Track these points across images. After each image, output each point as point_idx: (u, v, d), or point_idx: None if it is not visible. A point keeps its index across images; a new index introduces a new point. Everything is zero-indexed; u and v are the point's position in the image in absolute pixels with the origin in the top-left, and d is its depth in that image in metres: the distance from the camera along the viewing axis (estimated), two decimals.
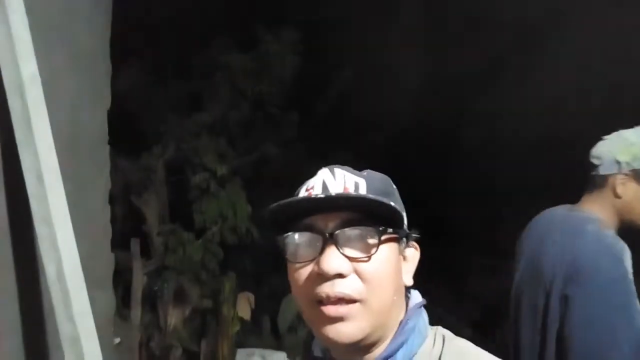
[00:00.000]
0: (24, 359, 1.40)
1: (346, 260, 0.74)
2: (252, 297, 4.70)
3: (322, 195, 0.74)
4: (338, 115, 7.31)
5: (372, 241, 0.75)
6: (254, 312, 4.74)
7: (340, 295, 0.73)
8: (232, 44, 5.13)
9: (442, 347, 0.79)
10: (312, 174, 0.85)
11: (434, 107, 7.73)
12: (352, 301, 0.73)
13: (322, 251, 0.74)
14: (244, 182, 4.97)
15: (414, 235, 0.85)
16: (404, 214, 0.82)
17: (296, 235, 0.77)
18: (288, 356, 4.53)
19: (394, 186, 0.86)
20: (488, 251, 7.81)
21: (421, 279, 0.88)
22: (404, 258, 0.83)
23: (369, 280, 0.74)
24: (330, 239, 0.74)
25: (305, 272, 0.76)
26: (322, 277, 0.73)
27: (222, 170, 4.62)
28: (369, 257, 0.74)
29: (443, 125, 8.00)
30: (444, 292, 7.61)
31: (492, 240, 7.86)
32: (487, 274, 7.83)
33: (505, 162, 8.09)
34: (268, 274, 5.76)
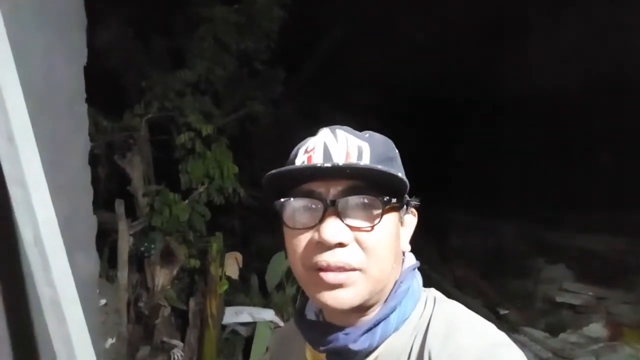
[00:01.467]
0: (5, 325, 1.37)
1: (348, 229, 0.72)
2: (239, 256, 4.72)
3: (329, 165, 0.71)
4: (327, 73, 7.17)
5: (375, 211, 0.72)
6: (242, 271, 4.77)
7: (341, 264, 0.71)
8: None
9: (433, 309, 0.79)
10: (300, 132, 0.82)
11: (428, 64, 7.61)
12: (352, 269, 0.72)
13: (322, 219, 0.72)
14: (230, 141, 4.88)
15: (413, 202, 0.83)
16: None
17: (296, 201, 0.74)
18: (276, 313, 4.61)
19: (396, 149, 0.82)
20: (472, 209, 7.93)
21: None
22: (402, 223, 0.81)
23: (370, 250, 0.72)
24: (331, 207, 0.71)
25: (304, 238, 0.74)
26: (322, 245, 0.71)
27: (207, 129, 4.51)
28: (372, 227, 0.72)
29: (436, 84, 7.91)
30: (429, 250, 7.76)
31: (477, 198, 7.97)
32: (471, 232, 7.98)
33: (495, 123, 8.10)
34: (255, 233, 5.80)
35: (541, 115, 7.51)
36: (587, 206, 6.55)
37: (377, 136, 0.81)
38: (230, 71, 5.03)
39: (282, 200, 0.75)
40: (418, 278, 0.84)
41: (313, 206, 0.73)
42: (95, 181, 1.94)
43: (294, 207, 0.75)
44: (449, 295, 0.83)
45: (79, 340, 1.28)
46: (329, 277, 0.71)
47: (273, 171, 0.73)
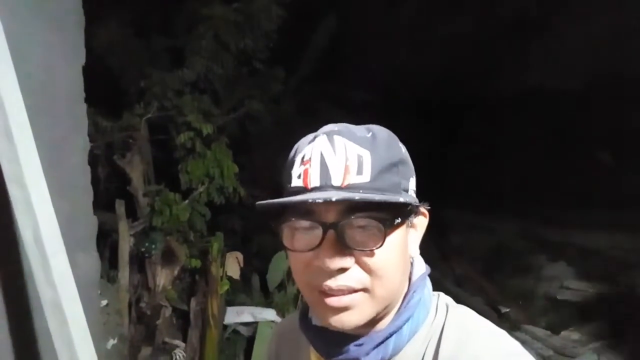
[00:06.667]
0: (6, 326, 1.37)
1: (348, 253, 0.68)
2: (240, 256, 4.71)
3: (320, 201, 0.65)
4: (326, 70, 7.16)
5: (377, 233, 0.68)
6: (243, 271, 4.76)
7: (343, 287, 0.69)
8: None
9: (445, 317, 0.77)
10: (300, 130, 0.79)
11: (428, 62, 7.59)
12: (355, 291, 0.69)
13: (322, 241, 0.68)
14: (230, 140, 4.88)
15: (423, 205, 0.79)
16: (413, 181, 0.76)
17: (294, 223, 0.71)
18: (277, 313, 4.60)
19: (402, 148, 0.77)
20: (473, 207, 7.92)
21: None
22: (412, 226, 0.77)
23: (374, 271, 0.69)
24: (330, 229, 0.67)
25: (305, 260, 0.71)
26: (323, 269, 0.68)
27: (207, 129, 4.50)
28: (373, 251, 0.68)
29: (435, 81, 7.89)
30: (429, 248, 7.74)
31: (477, 196, 7.96)
32: (472, 230, 7.97)
33: (495, 121, 8.09)
34: (256, 233, 5.78)
35: (542, 113, 7.50)
36: (588, 203, 6.54)
37: (380, 136, 0.74)
38: (229, 70, 5.02)
39: (279, 222, 0.72)
40: (428, 285, 0.81)
41: (312, 228, 0.69)
42: (95, 181, 1.93)
43: (292, 228, 0.71)
44: (449, 293, 0.82)
45: (80, 341, 1.27)
46: (332, 301, 0.69)
47: (263, 202, 0.69)
